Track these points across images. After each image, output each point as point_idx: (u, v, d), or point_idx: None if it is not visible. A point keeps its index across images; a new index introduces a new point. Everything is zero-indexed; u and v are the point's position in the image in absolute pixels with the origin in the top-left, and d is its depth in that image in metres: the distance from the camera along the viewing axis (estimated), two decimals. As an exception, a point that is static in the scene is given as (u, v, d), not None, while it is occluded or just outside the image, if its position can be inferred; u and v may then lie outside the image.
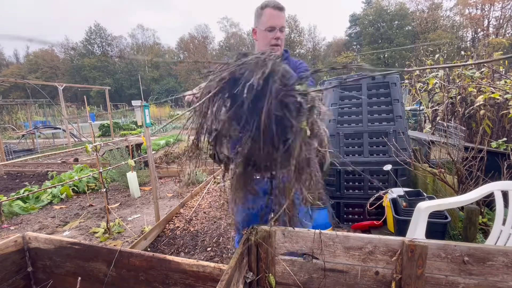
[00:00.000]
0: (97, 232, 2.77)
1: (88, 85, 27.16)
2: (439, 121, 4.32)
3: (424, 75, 5.00)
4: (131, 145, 5.10)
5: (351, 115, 2.61)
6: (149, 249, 2.42)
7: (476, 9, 33.85)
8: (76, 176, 4.38)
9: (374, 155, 2.54)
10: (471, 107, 3.49)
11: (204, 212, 3.18)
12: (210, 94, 0.76)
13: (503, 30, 31.69)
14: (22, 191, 3.86)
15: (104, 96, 14.23)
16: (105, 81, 44.07)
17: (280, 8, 1.35)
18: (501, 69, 3.84)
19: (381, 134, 2.52)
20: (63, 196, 3.93)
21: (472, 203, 1.67)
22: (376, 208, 2.36)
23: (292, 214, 0.95)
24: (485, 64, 3.79)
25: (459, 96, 3.81)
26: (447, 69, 4.54)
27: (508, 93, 3.06)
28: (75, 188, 4.15)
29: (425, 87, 5.11)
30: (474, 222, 1.72)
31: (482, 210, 2.13)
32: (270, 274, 1.06)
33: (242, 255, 0.99)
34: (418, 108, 6.93)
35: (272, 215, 1.01)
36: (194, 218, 3.05)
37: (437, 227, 1.77)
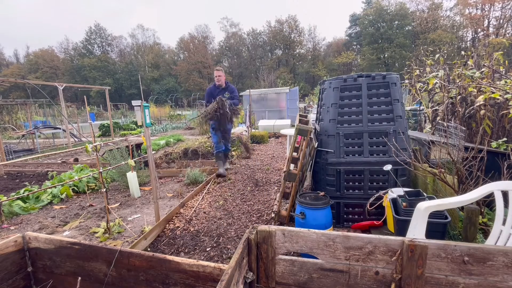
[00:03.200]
0: (97, 232, 2.77)
1: (88, 85, 27.14)
2: (439, 121, 4.32)
3: (424, 75, 5.00)
4: (131, 145, 5.10)
5: (351, 115, 2.61)
6: (149, 249, 2.42)
7: (476, 9, 33.88)
8: (76, 176, 4.38)
9: (374, 155, 2.53)
10: (471, 107, 3.49)
11: (204, 212, 3.18)
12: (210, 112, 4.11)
13: (503, 30, 31.70)
14: (22, 191, 3.86)
15: (104, 96, 14.20)
16: (105, 81, 44.07)
17: (218, 70, 4.54)
18: (501, 69, 3.83)
19: (381, 134, 2.52)
20: (63, 196, 3.93)
21: (472, 203, 1.67)
22: (376, 208, 2.36)
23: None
24: (485, 64, 3.79)
25: (459, 96, 3.80)
26: (447, 68, 4.54)
27: (508, 93, 3.06)
28: (75, 188, 4.15)
29: (425, 87, 5.10)
30: (474, 222, 1.72)
31: (482, 210, 2.13)
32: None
33: (242, 255, 0.99)
34: (418, 108, 6.93)
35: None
36: (194, 218, 3.05)
37: (437, 227, 1.77)
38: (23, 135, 9.95)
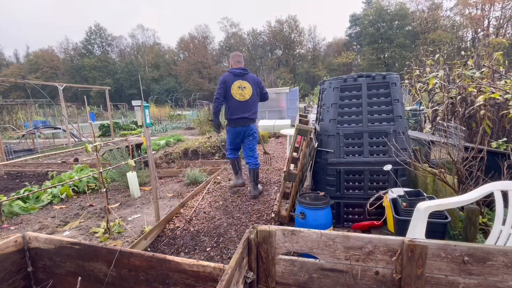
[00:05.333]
0: (97, 232, 2.77)
1: (88, 85, 27.11)
2: (439, 121, 4.32)
3: (424, 75, 5.00)
4: (131, 145, 5.10)
5: (351, 115, 2.61)
6: (149, 249, 2.42)
7: (476, 9, 33.88)
8: (76, 176, 4.38)
9: (374, 155, 2.53)
10: (471, 107, 3.49)
11: (204, 212, 3.18)
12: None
13: (503, 30, 31.71)
14: (22, 191, 3.86)
15: (104, 96, 14.21)
16: (105, 81, 44.07)
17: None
18: (501, 69, 3.83)
19: (381, 134, 2.52)
20: (63, 196, 3.93)
21: (472, 203, 1.67)
22: (376, 208, 2.35)
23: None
24: (485, 64, 3.79)
25: (459, 96, 3.80)
26: (447, 69, 4.54)
27: (508, 93, 3.06)
28: (75, 188, 4.15)
29: (425, 87, 5.11)
30: (474, 222, 1.72)
31: (482, 210, 2.13)
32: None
33: (242, 255, 0.99)
34: (418, 108, 6.93)
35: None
36: (194, 218, 3.05)
37: (437, 227, 1.77)
38: (23, 135, 9.95)
